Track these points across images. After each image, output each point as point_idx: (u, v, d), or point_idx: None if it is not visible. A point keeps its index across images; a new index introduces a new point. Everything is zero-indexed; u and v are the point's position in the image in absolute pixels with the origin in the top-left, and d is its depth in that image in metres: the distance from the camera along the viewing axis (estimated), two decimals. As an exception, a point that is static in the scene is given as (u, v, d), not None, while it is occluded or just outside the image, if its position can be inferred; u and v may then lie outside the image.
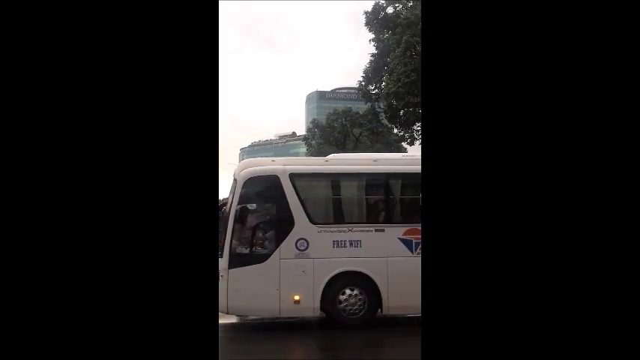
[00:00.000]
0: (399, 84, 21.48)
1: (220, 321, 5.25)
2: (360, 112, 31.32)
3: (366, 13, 25.36)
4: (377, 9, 25.20)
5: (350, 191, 8.40)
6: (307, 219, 7.56)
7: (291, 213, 7.51)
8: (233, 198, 7.64)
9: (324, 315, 7.69)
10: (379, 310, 7.69)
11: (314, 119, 43.39)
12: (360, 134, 32.12)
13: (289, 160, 8.50)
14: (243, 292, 7.27)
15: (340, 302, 7.54)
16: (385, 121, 27.40)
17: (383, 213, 8.20)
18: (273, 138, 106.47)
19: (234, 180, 7.85)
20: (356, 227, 7.70)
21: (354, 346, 7.09)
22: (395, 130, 27.74)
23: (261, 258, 7.42)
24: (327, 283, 7.46)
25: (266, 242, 7.62)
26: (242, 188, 7.56)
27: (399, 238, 7.70)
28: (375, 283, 7.55)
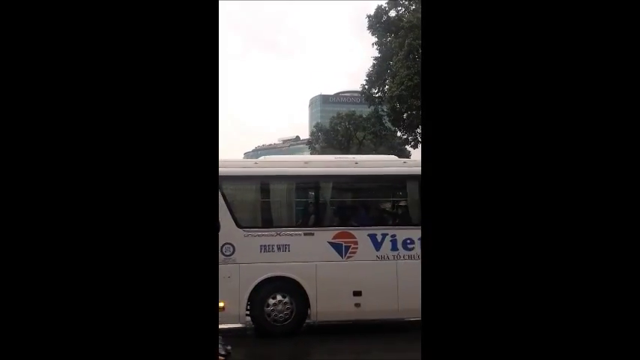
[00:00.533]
0: (402, 87, 21.51)
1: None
2: (364, 116, 31.34)
3: (368, 16, 25.43)
4: (379, 12, 25.25)
5: (279, 194, 8.30)
6: (233, 223, 7.45)
7: None
8: None
9: (252, 323, 7.59)
10: (307, 317, 7.61)
11: (317, 123, 43.44)
12: (364, 137, 32.12)
13: (220, 163, 8.41)
14: None
15: (267, 309, 7.43)
16: (389, 125, 27.40)
17: (312, 216, 8.15)
18: (276, 142, 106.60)
19: None
20: (284, 231, 7.61)
21: (354, 350, 7.07)
22: (398, 133, 27.73)
23: None
24: (253, 290, 7.35)
25: None
26: None
27: (329, 242, 7.64)
28: (303, 288, 7.46)
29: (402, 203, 8.52)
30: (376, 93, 27.05)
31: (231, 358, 5.45)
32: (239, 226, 7.50)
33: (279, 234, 7.57)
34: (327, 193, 8.29)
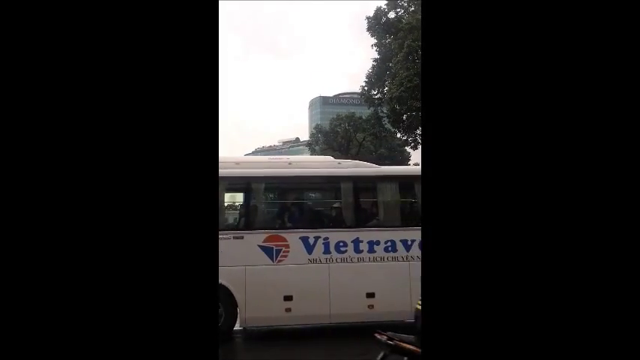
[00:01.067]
0: (402, 88, 21.56)
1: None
2: (363, 117, 31.43)
3: (368, 18, 25.50)
4: (379, 14, 25.34)
5: None
6: None
7: None
8: None
9: None
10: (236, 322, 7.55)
11: (317, 124, 43.54)
12: (364, 139, 32.21)
13: None
14: None
15: None
16: (388, 126, 27.45)
17: (243, 219, 8.01)
18: (276, 144, 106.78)
19: None
20: None
21: (354, 351, 7.06)
22: (398, 135, 27.78)
23: None
24: None
25: None
26: None
27: (259, 246, 7.50)
28: (232, 293, 7.34)
29: (336, 205, 8.28)
30: (376, 94, 27.13)
31: None
32: None
33: None
34: (258, 195, 8.16)
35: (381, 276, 7.55)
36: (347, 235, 7.66)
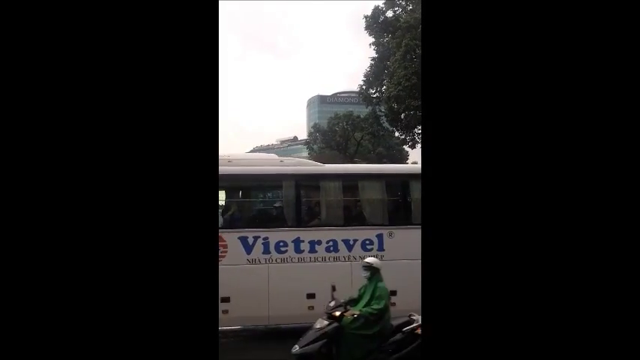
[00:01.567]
0: (400, 87, 21.49)
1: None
2: (361, 116, 31.35)
3: (365, 17, 25.43)
4: (377, 13, 25.27)
5: None
6: None
7: None
8: None
9: None
10: None
11: (315, 123, 43.43)
12: (362, 138, 32.16)
13: None
14: None
15: None
16: (386, 125, 27.40)
17: None
18: (274, 142, 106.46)
19: None
20: None
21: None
22: (396, 134, 27.74)
23: None
24: None
25: None
26: None
27: None
28: None
29: (278, 204, 8.14)
30: (374, 93, 27.06)
31: None
32: None
33: None
34: None
35: (322, 277, 7.27)
36: (287, 235, 7.52)
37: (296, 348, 5.56)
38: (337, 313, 5.55)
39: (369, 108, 28.16)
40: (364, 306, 5.59)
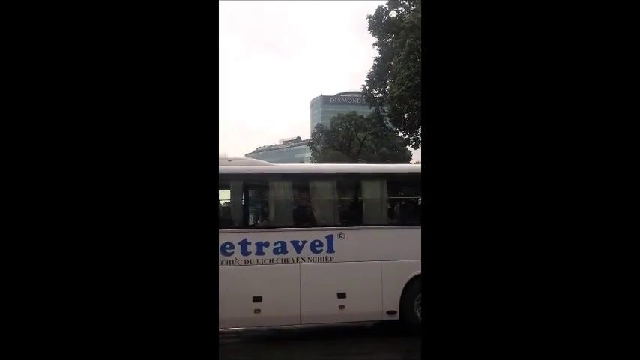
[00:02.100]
0: (403, 87, 21.51)
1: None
2: (365, 116, 31.37)
3: (369, 17, 25.46)
4: (380, 13, 25.30)
5: None
6: None
7: None
8: None
9: None
10: None
11: (318, 124, 43.51)
12: (365, 138, 32.17)
13: None
14: None
15: None
16: (390, 125, 27.42)
17: None
18: (278, 143, 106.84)
19: None
20: None
21: (353, 352, 7.05)
22: (399, 134, 27.77)
23: None
24: None
25: None
26: None
27: None
28: None
29: (224, 205, 7.89)
30: (377, 93, 27.09)
31: None
32: None
33: None
34: None
35: (269, 279, 7.24)
36: (234, 237, 7.33)
37: None
38: None
39: (373, 108, 28.18)
40: None
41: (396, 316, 7.43)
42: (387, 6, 25.28)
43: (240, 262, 7.33)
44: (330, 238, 7.53)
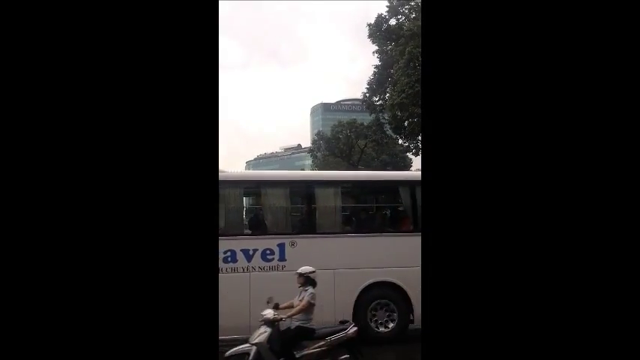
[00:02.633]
0: (403, 95, 21.53)
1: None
2: (365, 124, 31.38)
3: (369, 25, 25.55)
4: (380, 21, 25.38)
5: None
6: None
7: None
8: None
9: None
10: None
11: (319, 131, 43.48)
12: (365, 145, 32.16)
13: None
14: None
15: None
16: (390, 132, 27.42)
17: None
18: (278, 150, 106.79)
19: None
20: None
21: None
22: (400, 141, 27.76)
23: None
24: None
25: None
26: None
27: None
28: None
29: None
30: (377, 101, 27.11)
31: None
32: None
33: None
34: None
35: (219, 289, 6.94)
36: None
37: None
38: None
39: (373, 116, 28.20)
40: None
41: None
42: (386, 14, 25.37)
43: None
44: (281, 246, 7.32)
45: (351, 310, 7.25)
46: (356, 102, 65.95)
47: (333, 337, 5.64)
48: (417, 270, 7.32)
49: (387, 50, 25.10)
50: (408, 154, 28.95)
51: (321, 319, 6.96)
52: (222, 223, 7.52)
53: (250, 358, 5.41)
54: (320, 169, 33.81)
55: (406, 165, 33.42)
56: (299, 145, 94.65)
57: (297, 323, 5.63)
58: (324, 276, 7.07)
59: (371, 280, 7.30)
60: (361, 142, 32.35)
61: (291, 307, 5.75)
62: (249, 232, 7.72)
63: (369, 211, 8.38)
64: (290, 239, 7.40)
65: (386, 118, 26.16)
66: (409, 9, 24.71)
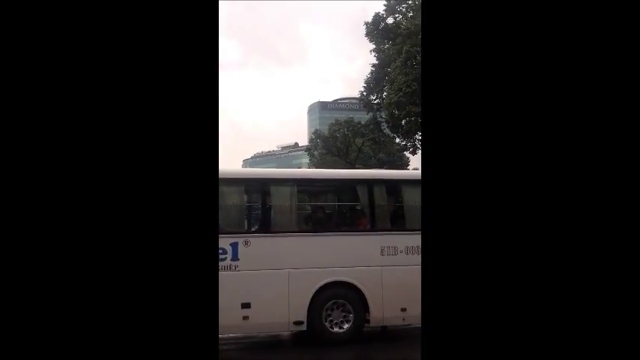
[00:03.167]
0: (401, 94, 21.53)
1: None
2: (362, 122, 31.36)
3: (366, 23, 25.54)
4: (377, 20, 25.37)
5: None
6: None
7: None
8: None
9: None
10: None
11: (316, 130, 43.44)
12: (362, 144, 32.16)
13: None
14: None
15: None
16: (387, 131, 27.42)
17: None
18: (275, 149, 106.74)
19: None
20: None
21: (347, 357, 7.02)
22: (397, 140, 27.78)
23: None
24: None
25: None
26: None
27: None
28: None
29: None
30: (374, 99, 27.11)
31: None
32: None
33: None
34: None
35: None
36: None
37: None
38: None
39: (370, 114, 28.18)
40: None
41: (304, 327, 7.09)
42: (384, 13, 25.36)
43: None
44: (234, 245, 7.07)
45: (306, 311, 7.11)
46: (353, 101, 65.96)
47: None
48: (373, 269, 7.23)
49: (385, 49, 25.09)
50: (405, 152, 28.98)
51: (274, 320, 6.93)
52: None
53: None
54: (317, 167, 33.77)
55: (403, 164, 33.46)
56: (296, 144, 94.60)
57: None
58: (278, 276, 7.00)
59: (326, 280, 7.16)
60: (358, 141, 32.34)
61: None
62: None
63: (325, 210, 8.25)
64: (243, 238, 7.19)
65: (383, 116, 26.15)
66: (406, 8, 24.70)
